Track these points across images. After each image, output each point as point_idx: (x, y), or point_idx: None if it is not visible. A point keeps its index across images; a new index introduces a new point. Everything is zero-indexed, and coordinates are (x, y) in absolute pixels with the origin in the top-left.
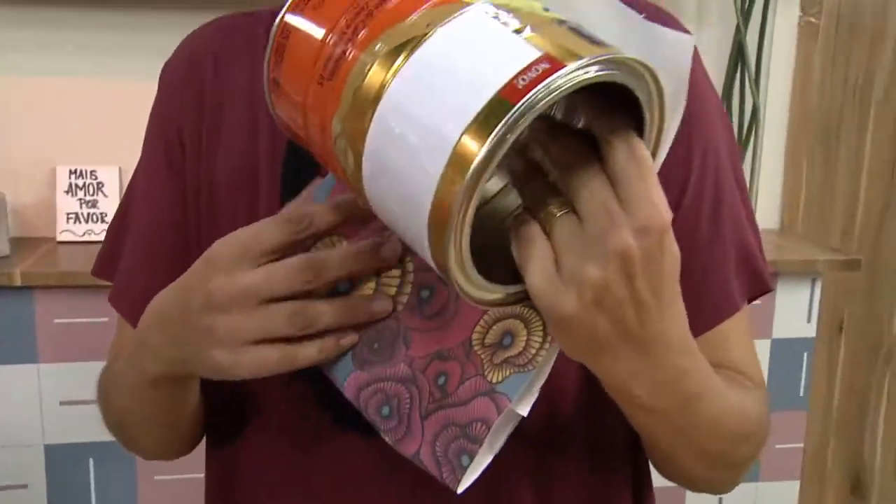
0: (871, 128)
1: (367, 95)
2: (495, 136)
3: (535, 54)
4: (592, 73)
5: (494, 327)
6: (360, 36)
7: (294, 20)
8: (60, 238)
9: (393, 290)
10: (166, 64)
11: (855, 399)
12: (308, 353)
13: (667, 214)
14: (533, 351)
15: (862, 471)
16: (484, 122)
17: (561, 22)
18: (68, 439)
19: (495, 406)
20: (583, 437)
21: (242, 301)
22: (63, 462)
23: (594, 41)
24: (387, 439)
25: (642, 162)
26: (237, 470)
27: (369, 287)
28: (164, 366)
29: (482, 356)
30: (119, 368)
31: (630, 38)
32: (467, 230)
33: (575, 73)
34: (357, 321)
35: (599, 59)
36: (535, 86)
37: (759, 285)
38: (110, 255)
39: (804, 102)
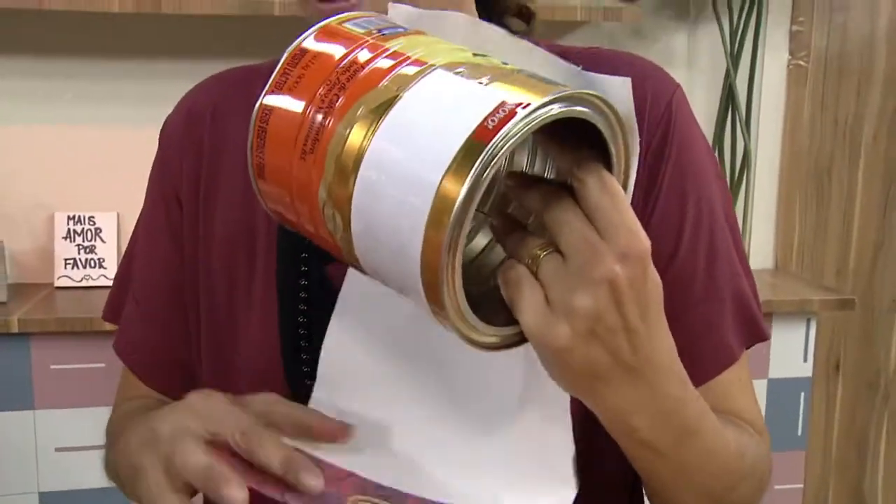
0: (862, 168)
1: (348, 159)
2: (474, 173)
3: (501, 97)
4: (556, 109)
5: None
6: (336, 105)
7: (272, 101)
8: (58, 283)
9: None
10: (166, 120)
11: (854, 438)
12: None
13: (645, 241)
14: None
15: None
16: (461, 163)
17: (520, 71)
18: (64, 486)
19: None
20: (580, 479)
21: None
22: None
23: (554, 83)
24: None
25: (615, 193)
26: None
27: None
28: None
29: None
30: (120, 423)
31: (574, 85)
32: (458, 270)
33: (540, 110)
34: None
35: (561, 94)
36: (505, 124)
37: (756, 333)
38: (117, 302)
39: (795, 144)
